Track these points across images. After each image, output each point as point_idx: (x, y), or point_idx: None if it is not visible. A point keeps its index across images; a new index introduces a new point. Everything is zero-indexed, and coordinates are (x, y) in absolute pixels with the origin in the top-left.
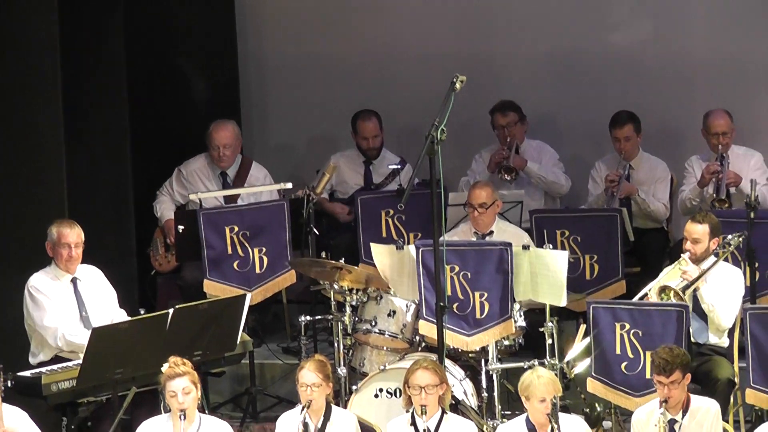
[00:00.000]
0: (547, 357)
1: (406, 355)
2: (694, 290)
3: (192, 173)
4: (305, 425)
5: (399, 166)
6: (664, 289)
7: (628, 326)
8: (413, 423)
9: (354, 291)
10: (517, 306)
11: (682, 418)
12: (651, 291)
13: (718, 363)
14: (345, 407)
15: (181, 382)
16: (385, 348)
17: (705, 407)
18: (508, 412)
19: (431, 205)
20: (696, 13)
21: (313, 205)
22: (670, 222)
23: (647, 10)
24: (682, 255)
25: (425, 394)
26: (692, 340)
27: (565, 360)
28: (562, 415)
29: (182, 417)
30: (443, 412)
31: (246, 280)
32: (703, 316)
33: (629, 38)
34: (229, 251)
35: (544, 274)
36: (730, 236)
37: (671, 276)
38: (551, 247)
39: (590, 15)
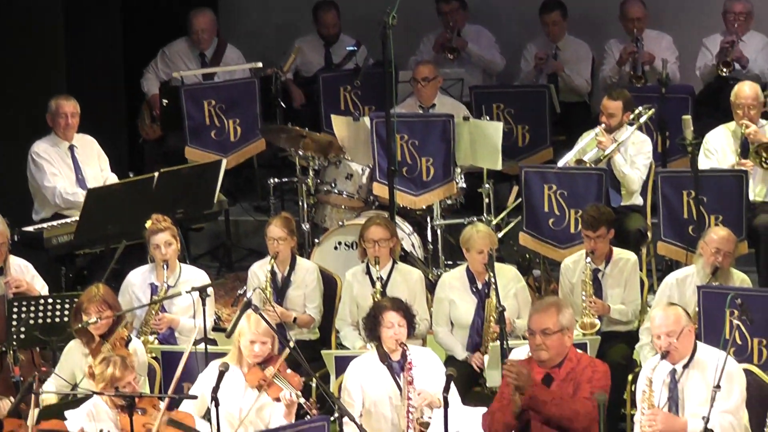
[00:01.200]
0: (485, 214)
1: (361, 213)
2: (609, 159)
3: (174, 54)
4: (273, 273)
5: (355, 48)
6: (580, 162)
7: (555, 187)
8: (368, 272)
9: (316, 157)
10: (458, 170)
11: (605, 268)
12: (571, 158)
13: (631, 217)
14: (308, 258)
15: (163, 236)
16: (343, 206)
17: (625, 258)
18: (450, 262)
19: (384, 82)
20: None
21: (281, 82)
22: (592, 96)
23: None
24: (598, 127)
25: (378, 247)
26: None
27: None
28: (497, 265)
29: (165, 266)
30: (394, 262)
31: (222, 148)
32: (616, 182)
33: None
34: (207, 122)
35: (482, 142)
36: (641, 108)
37: (590, 145)
38: (488, 118)
39: None
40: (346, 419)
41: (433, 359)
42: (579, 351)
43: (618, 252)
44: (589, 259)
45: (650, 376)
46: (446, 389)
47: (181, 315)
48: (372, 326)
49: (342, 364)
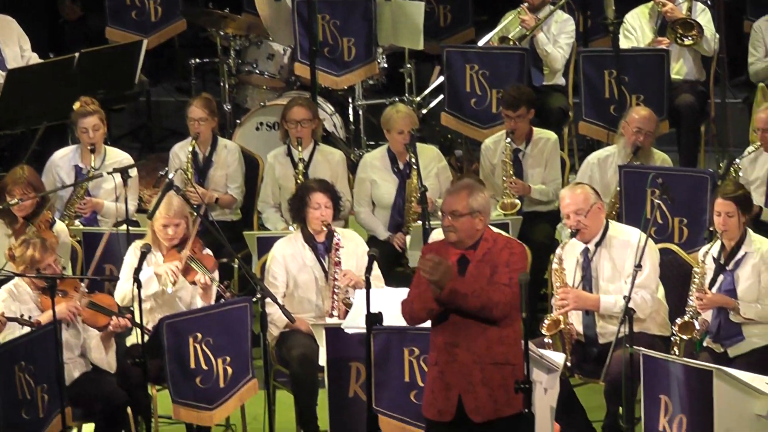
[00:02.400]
0: (406, 94)
1: (283, 93)
2: (532, 37)
3: None
4: (194, 154)
5: None
6: (503, 40)
7: (476, 67)
8: (289, 154)
9: (237, 37)
10: (380, 50)
11: (526, 147)
12: (494, 37)
13: (553, 96)
14: (230, 139)
15: (91, 119)
16: (264, 87)
17: (545, 138)
18: (372, 143)
19: None
20: None
21: None
22: None
23: None
24: (521, 6)
25: (300, 128)
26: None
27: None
28: (419, 145)
29: (92, 150)
30: (316, 143)
31: (142, 28)
32: (539, 61)
33: None
34: (128, 2)
35: (404, 21)
36: None
37: (512, 24)
38: None
39: None
40: (268, 300)
41: (356, 240)
42: (496, 231)
43: (538, 132)
44: (509, 139)
45: (561, 254)
46: (368, 270)
47: (106, 198)
48: (298, 207)
49: (264, 245)
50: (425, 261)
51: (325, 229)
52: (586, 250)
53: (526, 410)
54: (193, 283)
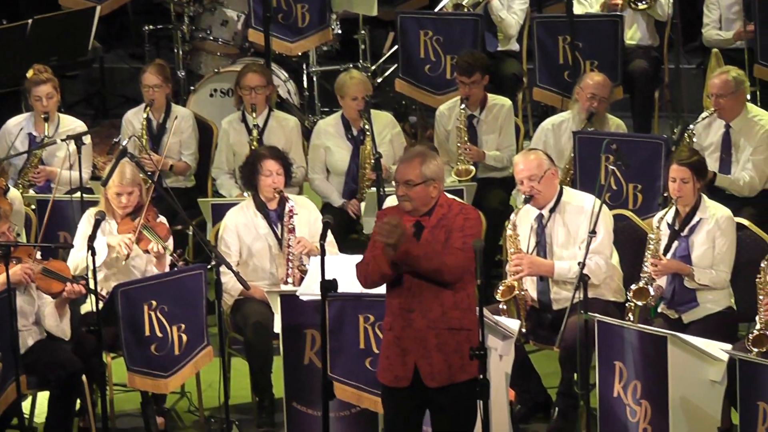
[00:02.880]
0: (361, 61)
1: (237, 60)
2: (486, 3)
3: None
4: (148, 121)
5: None
6: (458, 6)
7: (431, 33)
8: (244, 120)
9: (191, 3)
10: (333, 16)
11: (480, 114)
12: (448, 3)
13: (507, 62)
14: (184, 105)
15: (44, 88)
16: (218, 53)
17: (500, 104)
18: (326, 109)
19: None
20: None
21: None
22: None
23: None
24: None
25: (254, 94)
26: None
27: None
28: (373, 111)
29: (46, 119)
30: (270, 110)
31: None
32: (493, 26)
33: None
34: None
35: None
36: None
37: None
38: None
39: None
40: (223, 268)
41: (310, 207)
42: (450, 197)
43: (493, 98)
44: (463, 106)
45: (515, 220)
46: (323, 236)
47: (60, 166)
48: (249, 174)
49: (218, 212)
50: (382, 225)
51: (277, 196)
52: (540, 216)
53: (482, 376)
54: (147, 251)
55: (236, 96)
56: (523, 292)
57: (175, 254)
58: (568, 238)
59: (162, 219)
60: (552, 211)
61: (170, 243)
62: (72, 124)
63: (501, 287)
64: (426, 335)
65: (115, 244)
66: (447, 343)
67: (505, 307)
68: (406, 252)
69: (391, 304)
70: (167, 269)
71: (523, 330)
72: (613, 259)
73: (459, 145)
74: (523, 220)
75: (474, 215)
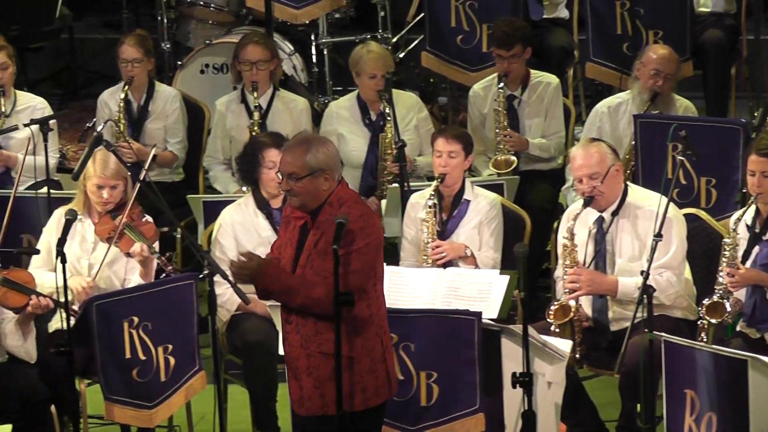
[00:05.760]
0: (380, 31)
1: (232, 29)
2: None
3: None
4: (127, 102)
5: None
6: None
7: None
8: (243, 100)
9: None
10: None
11: (522, 94)
12: None
13: (554, 32)
14: (169, 84)
15: None
16: (210, 21)
17: (545, 82)
18: (340, 89)
19: None
20: None
21: None
22: None
23: None
24: None
25: (256, 70)
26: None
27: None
28: (394, 91)
29: (1, 93)
30: (275, 88)
31: None
32: None
33: None
34: None
35: None
36: None
37: None
38: None
39: None
40: (217, 277)
41: None
42: (352, 190)
43: (537, 75)
44: (502, 85)
45: (572, 227)
46: (336, 240)
47: (19, 151)
48: (249, 167)
49: (212, 210)
50: (232, 263)
51: (281, 192)
52: (601, 219)
53: (527, 408)
54: (129, 255)
55: (234, 71)
56: (579, 313)
57: (163, 258)
58: (636, 249)
59: (148, 218)
60: (615, 214)
61: (157, 246)
62: (31, 101)
63: (554, 307)
64: (298, 354)
65: (72, 287)
66: (318, 368)
67: (558, 330)
68: (262, 291)
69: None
70: (153, 277)
71: (577, 356)
72: (685, 272)
73: (497, 131)
74: (579, 226)
75: (358, 224)
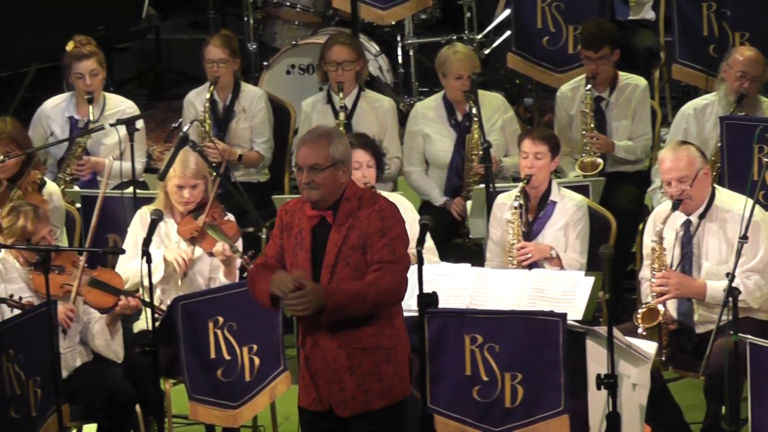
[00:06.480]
0: (466, 31)
1: (318, 30)
2: None
3: None
4: (212, 103)
5: None
6: None
7: None
8: (329, 101)
9: None
10: None
11: (609, 96)
12: None
13: (641, 33)
14: (255, 84)
15: (87, 63)
16: (296, 22)
17: (633, 84)
18: (425, 89)
19: None
20: None
21: None
22: None
23: None
24: None
25: (342, 71)
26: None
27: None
28: (480, 92)
29: (90, 100)
30: (360, 89)
31: None
32: None
33: None
34: None
35: None
36: None
37: None
38: None
39: None
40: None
41: (405, 206)
42: (363, 186)
43: (625, 77)
44: (589, 86)
45: (660, 230)
46: (420, 241)
47: (108, 156)
48: None
49: None
50: (292, 298)
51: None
52: (688, 222)
53: (611, 410)
54: (212, 254)
55: (320, 72)
56: (666, 316)
57: (246, 256)
58: (723, 252)
59: (230, 217)
60: (702, 217)
61: (240, 245)
62: (120, 105)
63: (641, 310)
64: (336, 356)
65: (171, 259)
66: (361, 364)
67: (645, 333)
68: (333, 311)
69: (301, 317)
70: (237, 276)
71: (663, 358)
72: None
73: (584, 133)
74: (666, 228)
75: (390, 210)
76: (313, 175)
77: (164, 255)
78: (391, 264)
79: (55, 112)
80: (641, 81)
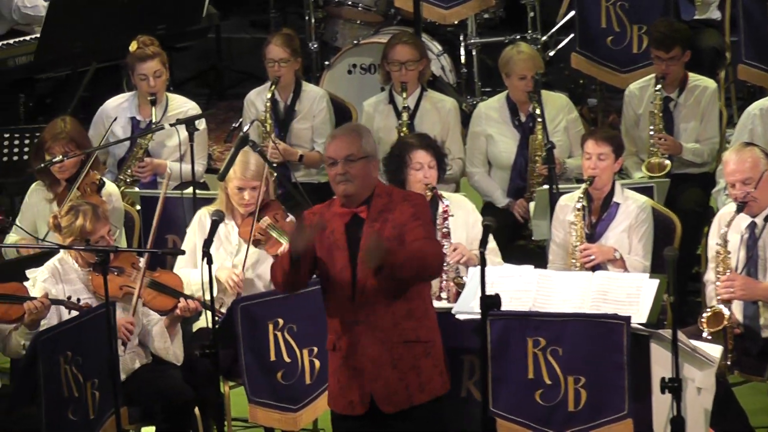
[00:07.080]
0: (529, 31)
1: (380, 29)
2: None
3: None
4: (273, 102)
5: None
6: None
7: None
8: (391, 101)
9: None
10: None
11: (679, 96)
12: None
13: (706, 33)
14: (316, 84)
15: (151, 64)
16: (358, 21)
17: (702, 86)
18: (488, 90)
19: None
20: None
21: None
22: None
23: None
24: None
25: (405, 71)
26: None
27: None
28: (544, 93)
29: (153, 102)
30: (423, 89)
31: None
32: None
33: None
34: None
35: None
36: None
37: None
38: None
39: None
40: None
41: (467, 207)
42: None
43: (694, 78)
44: (659, 86)
45: (725, 233)
46: (483, 243)
47: (169, 158)
48: (395, 168)
49: None
50: (368, 246)
51: (429, 193)
52: (753, 225)
53: (676, 414)
54: (276, 256)
55: (383, 72)
56: (731, 320)
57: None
58: None
59: (292, 218)
60: (767, 219)
61: None
62: (183, 105)
63: (706, 314)
64: (378, 351)
65: (223, 280)
66: (402, 358)
67: (710, 337)
68: (391, 266)
69: (332, 318)
70: None
71: (728, 362)
72: None
73: (652, 133)
74: (731, 231)
75: (420, 199)
76: (348, 166)
77: (216, 275)
78: (431, 240)
79: (117, 112)
80: (711, 83)
